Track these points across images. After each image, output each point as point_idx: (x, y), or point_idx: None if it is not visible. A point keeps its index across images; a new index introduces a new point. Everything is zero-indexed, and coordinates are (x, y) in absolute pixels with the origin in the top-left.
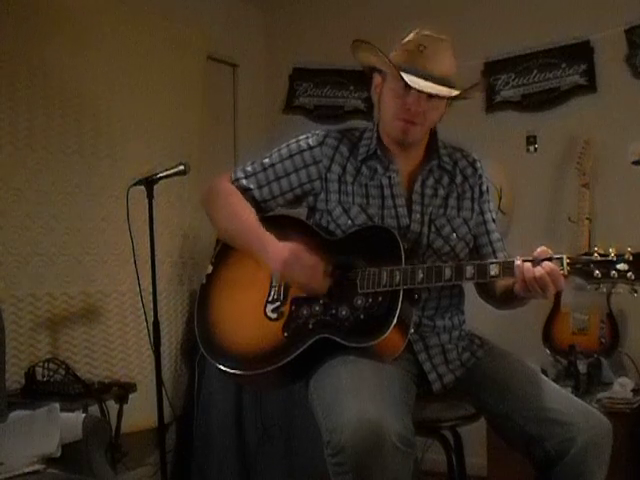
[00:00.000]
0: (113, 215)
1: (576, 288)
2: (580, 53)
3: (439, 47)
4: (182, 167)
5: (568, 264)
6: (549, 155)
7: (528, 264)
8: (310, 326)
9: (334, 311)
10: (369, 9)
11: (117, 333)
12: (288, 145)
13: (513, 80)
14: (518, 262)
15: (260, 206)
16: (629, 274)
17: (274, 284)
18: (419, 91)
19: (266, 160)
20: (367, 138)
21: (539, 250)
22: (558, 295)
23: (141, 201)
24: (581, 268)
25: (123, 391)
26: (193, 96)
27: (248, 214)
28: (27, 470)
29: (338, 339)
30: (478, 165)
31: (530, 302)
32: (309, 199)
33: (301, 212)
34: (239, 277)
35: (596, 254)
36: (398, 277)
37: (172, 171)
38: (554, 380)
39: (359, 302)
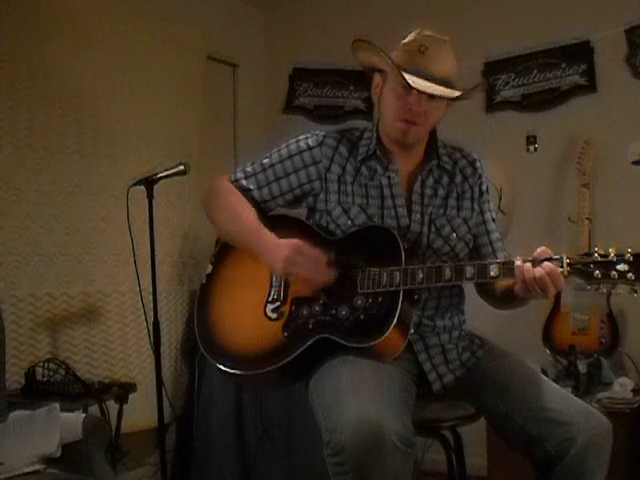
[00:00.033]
0: (113, 215)
1: (576, 288)
2: (580, 53)
3: (440, 48)
4: (182, 167)
5: (568, 264)
6: (549, 155)
7: (528, 264)
8: (310, 326)
9: (334, 311)
10: (369, 9)
11: (117, 333)
12: (287, 146)
13: (513, 80)
14: (518, 262)
15: (260, 207)
16: (629, 275)
17: (274, 284)
18: (420, 92)
19: (266, 161)
20: (367, 138)
21: (539, 250)
22: (558, 295)
23: (141, 201)
24: (581, 269)
25: (123, 391)
26: (193, 96)
27: (248, 213)
28: (27, 470)
29: (338, 339)
30: (478, 165)
31: (530, 302)
32: (309, 199)
33: (301, 212)
34: (239, 277)
35: (596, 254)
36: (398, 277)
37: (172, 171)
38: (554, 380)
39: (359, 302)
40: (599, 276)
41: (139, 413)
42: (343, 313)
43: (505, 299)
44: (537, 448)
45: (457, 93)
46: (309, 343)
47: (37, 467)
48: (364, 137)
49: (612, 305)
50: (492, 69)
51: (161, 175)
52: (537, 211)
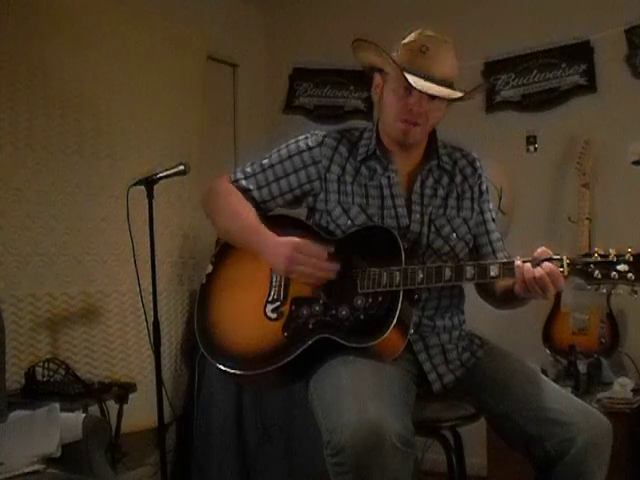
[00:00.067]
0: (113, 215)
1: (576, 288)
2: (580, 53)
3: (442, 48)
4: (182, 167)
5: (568, 265)
6: (549, 155)
7: (528, 265)
8: (310, 326)
9: (334, 311)
10: (369, 9)
11: (117, 333)
12: (287, 146)
13: (513, 80)
14: (518, 262)
15: (260, 207)
16: (629, 275)
17: (274, 284)
18: (422, 92)
19: (265, 161)
20: (366, 138)
21: (539, 250)
22: (558, 295)
23: (141, 201)
24: (581, 269)
25: (123, 391)
26: (193, 96)
27: (248, 213)
28: (27, 470)
29: (338, 339)
30: (478, 164)
31: (530, 302)
32: (309, 199)
33: (301, 212)
34: (239, 277)
35: (596, 255)
36: (398, 277)
37: (172, 171)
38: (554, 380)
39: (359, 302)
40: (599, 276)
41: (139, 413)
42: (343, 313)
43: (505, 299)
44: (537, 448)
45: (458, 94)
46: (309, 343)
47: (37, 467)
48: (364, 137)
49: (612, 305)
50: (492, 69)
51: (161, 175)
52: (537, 211)
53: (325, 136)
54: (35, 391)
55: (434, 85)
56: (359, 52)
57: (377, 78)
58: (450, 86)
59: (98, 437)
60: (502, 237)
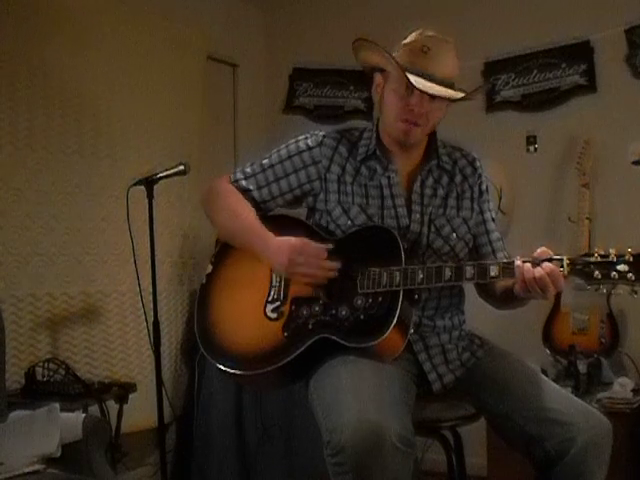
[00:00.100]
0: (113, 215)
1: (576, 288)
2: (580, 53)
3: (443, 48)
4: (182, 167)
5: (568, 265)
6: (549, 155)
7: (528, 265)
8: (310, 326)
9: (334, 311)
10: (369, 9)
11: (117, 333)
12: (287, 146)
13: (513, 80)
14: (518, 263)
15: (260, 207)
16: (629, 275)
17: (274, 284)
18: (423, 92)
19: (265, 161)
20: (366, 138)
21: (539, 251)
22: (558, 295)
23: (141, 201)
24: (581, 269)
25: (123, 391)
26: (193, 96)
27: (247, 213)
28: (27, 470)
29: (338, 339)
30: (477, 164)
31: (530, 302)
32: (309, 199)
33: (301, 212)
34: (239, 277)
35: (596, 255)
36: (398, 277)
37: (172, 171)
38: (554, 380)
39: (359, 302)
40: (599, 276)
41: (139, 413)
42: (343, 313)
43: (505, 299)
44: (537, 448)
45: (460, 95)
46: (309, 343)
47: (37, 467)
48: (364, 137)
49: (612, 305)
50: (492, 69)
51: (161, 175)
52: (537, 211)
53: (325, 136)
54: (35, 391)
55: (435, 85)
56: (360, 52)
57: (378, 78)
58: (451, 86)
59: (98, 437)
60: (502, 237)
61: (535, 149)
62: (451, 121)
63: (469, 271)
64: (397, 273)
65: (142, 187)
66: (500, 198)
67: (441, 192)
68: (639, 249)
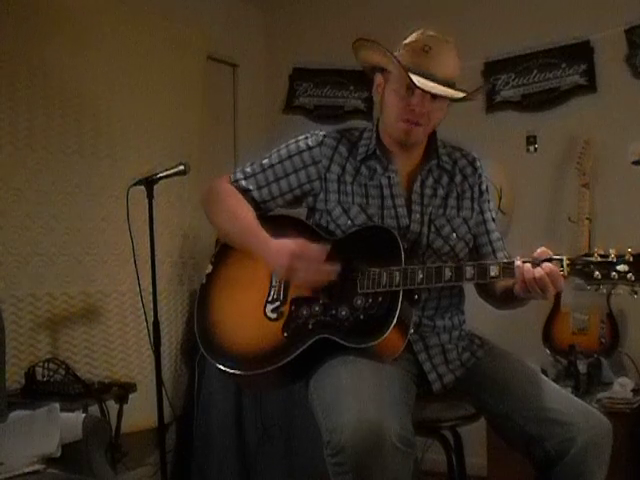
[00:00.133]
0: (113, 215)
1: (576, 288)
2: (580, 53)
3: (444, 48)
4: (182, 167)
5: (568, 265)
6: (549, 155)
7: (528, 265)
8: (310, 326)
9: (334, 311)
10: (369, 9)
11: (117, 333)
12: (287, 146)
13: (513, 80)
14: (518, 263)
15: (260, 207)
16: (629, 275)
17: (274, 284)
18: (425, 91)
19: (265, 161)
20: (366, 138)
21: (539, 251)
22: (558, 295)
23: (141, 201)
24: (581, 269)
25: (123, 391)
26: (193, 96)
27: (247, 214)
28: (27, 470)
29: (338, 339)
30: (478, 164)
31: (530, 302)
32: (309, 199)
33: (301, 212)
34: (239, 277)
35: (596, 255)
36: (398, 277)
37: (172, 171)
38: (554, 380)
39: (359, 302)
40: (599, 277)
41: (139, 413)
42: (343, 313)
43: (505, 299)
44: (537, 448)
45: (461, 94)
46: (309, 343)
47: (37, 467)
48: (364, 137)
49: (612, 305)
50: (492, 69)
51: (161, 175)
52: (537, 211)
53: (325, 136)
54: (35, 391)
55: (436, 85)
56: (361, 51)
57: (378, 78)
58: (452, 86)
59: (98, 437)
60: (502, 237)
61: (535, 149)
62: (451, 121)
63: (469, 271)
64: (397, 273)
65: (142, 187)
66: (500, 198)
67: (441, 192)
68: (639, 249)
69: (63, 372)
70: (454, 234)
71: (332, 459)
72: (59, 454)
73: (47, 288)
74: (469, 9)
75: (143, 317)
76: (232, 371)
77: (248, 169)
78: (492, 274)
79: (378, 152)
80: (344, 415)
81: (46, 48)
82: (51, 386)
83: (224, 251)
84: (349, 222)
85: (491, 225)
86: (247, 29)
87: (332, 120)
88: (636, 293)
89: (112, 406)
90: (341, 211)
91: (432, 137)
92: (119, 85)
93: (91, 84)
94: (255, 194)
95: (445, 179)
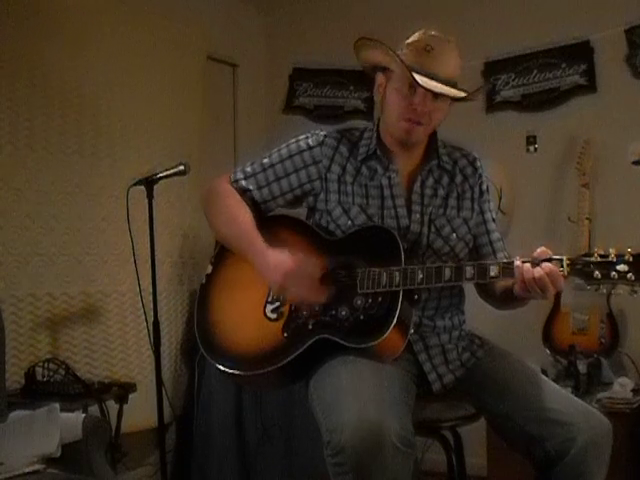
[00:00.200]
0: (113, 215)
1: (576, 288)
2: (580, 53)
3: (446, 48)
4: (182, 167)
5: (568, 265)
6: (549, 155)
7: (528, 265)
8: (310, 326)
9: (334, 311)
10: (369, 9)
11: (117, 333)
12: (288, 145)
13: (513, 80)
14: (518, 263)
15: (260, 207)
16: (629, 275)
17: None
18: (427, 90)
19: (265, 160)
20: (367, 138)
21: (539, 251)
22: (558, 295)
23: (141, 201)
24: (581, 269)
25: (123, 391)
26: (193, 96)
27: (246, 218)
28: (27, 470)
29: (338, 339)
30: (478, 164)
31: (530, 302)
32: (309, 199)
33: (301, 212)
34: (239, 277)
35: (596, 255)
36: (398, 277)
37: (172, 171)
38: (554, 380)
39: (359, 302)
40: (599, 276)
41: (139, 413)
42: (343, 313)
43: (505, 299)
44: (537, 448)
45: (462, 94)
46: (309, 343)
47: (37, 467)
48: (364, 137)
49: (612, 305)
50: (492, 69)
51: (161, 175)
52: (537, 211)
53: (326, 136)
54: (35, 391)
55: (439, 84)
56: (363, 51)
57: (380, 77)
58: (454, 86)
59: (98, 437)
60: (502, 237)
61: (535, 149)
62: (451, 121)
63: (469, 271)
64: (397, 273)
65: (142, 187)
66: (500, 198)
67: (441, 192)
68: (639, 249)
69: (63, 372)
70: (454, 234)
71: (332, 459)
72: (59, 454)
73: (47, 288)
74: (469, 9)
75: (143, 317)
76: (232, 371)
77: (248, 169)
78: (492, 274)
79: (379, 152)
80: (344, 415)
81: (46, 48)
82: (51, 386)
83: (224, 252)
84: (349, 222)
85: (491, 225)
86: (247, 29)
87: (332, 120)
88: (636, 293)
89: (112, 406)
90: (341, 211)
91: (433, 137)
92: (119, 85)
93: (91, 84)
94: (255, 194)
95: (445, 179)
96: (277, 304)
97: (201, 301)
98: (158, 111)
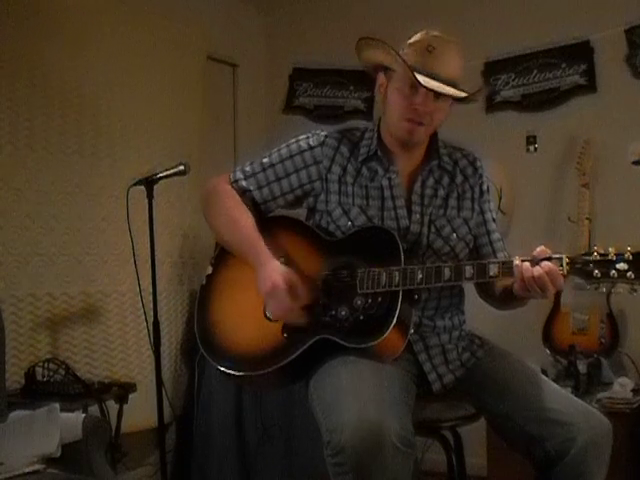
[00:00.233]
0: (113, 215)
1: (576, 288)
2: (580, 53)
3: (448, 49)
4: (182, 167)
5: (567, 264)
6: (549, 155)
7: (527, 264)
8: (310, 327)
9: (334, 312)
10: (369, 9)
11: (117, 333)
12: (288, 145)
13: (513, 80)
14: (517, 262)
15: (260, 208)
16: (629, 273)
17: None
18: (429, 89)
19: (266, 160)
20: (367, 139)
21: (538, 250)
22: (558, 295)
23: (141, 201)
24: (580, 268)
25: (123, 391)
26: (193, 96)
27: (246, 220)
28: (27, 470)
29: (338, 340)
30: (478, 164)
31: (530, 302)
32: (309, 200)
33: (300, 213)
34: (239, 278)
35: (595, 254)
36: (397, 277)
37: (172, 171)
38: (554, 380)
39: (358, 303)
40: (598, 275)
41: (139, 413)
42: (343, 313)
43: (505, 299)
44: (537, 448)
45: (464, 94)
46: (309, 344)
47: (37, 467)
48: (365, 137)
49: (612, 305)
50: (492, 69)
51: (161, 175)
52: (537, 211)
53: (327, 136)
54: (35, 391)
55: (440, 84)
56: (365, 50)
57: (381, 77)
58: (455, 86)
59: (98, 437)
60: (502, 237)
61: (535, 149)
62: (451, 121)
63: (468, 271)
64: (396, 273)
65: (142, 187)
66: (500, 198)
67: (442, 192)
68: (638, 248)
69: (63, 372)
70: (454, 234)
71: (332, 459)
72: (59, 454)
73: (47, 288)
74: (469, 9)
75: (143, 317)
76: (232, 372)
77: (248, 168)
78: (491, 273)
79: (379, 153)
80: (344, 415)
81: (46, 48)
82: (51, 386)
83: (224, 253)
84: (349, 223)
85: (491, 225)
86: (247, 29)
87: (332, 120)
88: (635, 291)
89: (112, 406)
90: (341, 212)
91: (433, 137)
92: (119, 85)
93: (91, 84)
94: (255, 194)
95: (446, 179)
96: None
97: (201, 301)
98: (158, 111)
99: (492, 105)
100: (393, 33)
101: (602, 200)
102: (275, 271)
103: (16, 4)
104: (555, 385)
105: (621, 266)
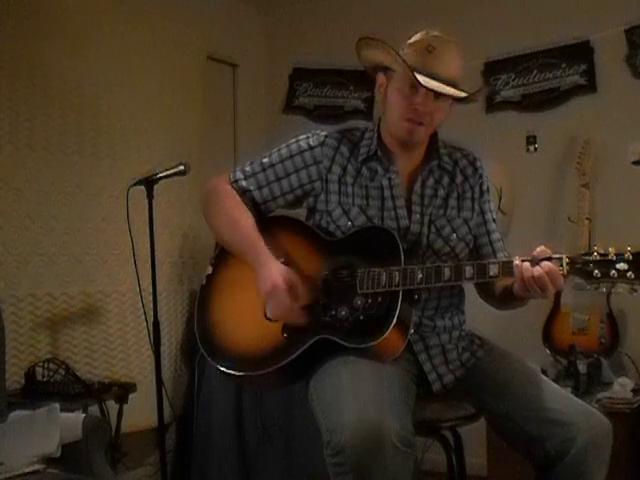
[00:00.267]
0: (113, 215)
1: (576, 288)
2: (580, 53)
3: (448, 49)
4: (182, 167)
5: (567, 264)
6: (549, 155)
7: (527, 264)
8: (310, 327)
9: (334, 312)
10: (369, 9)
11: (117, 333)
12: (288, 145)
13: (513, 80)
14: (517, 262)
15: (260, 207)
16: (629, 273)
17: None
18: (429, 89)
19: (266, 160)
20: (367, 139)
21: (538, 250)
22: (558, 295)
23: (141, 201)
24: (580, 268)
25: (123, 391)
26: (193, 96)
27: (246, 220)
28: (27, 470)
29: (338, 340)
30: (478, 164)
31: (530, 302)
32: (309, 200)
33: (300, 213)
34: (239, 278)
35: (595, 253)
36: (397, 277)
37: (172, 171)
38: (554, 380)
39: (358, 303)
40: (598, 275)
41: (139, 413)
42: (343, 313)
43: (505, 299)
44: (537, 448)
45: (464, 94)
46: (309, 344)
47: (37, 467)
48: (365, 137)
49: (612, 305)
50: (492, 69)
51: (161, 175)
52: (537, 211)
53: (327, 136)
54: (35, 391)
55: (440, 84)
56: (364, 51)
57: (381, 77)
58: (455, 86)
59: (98, 437)
60: (502, 237)
61: (535, 149)
62: (451, 121)
63: (468, 271)
64: (396, 273)
65: (142, 187)
66: (500, 198)
67: (442, 192)
68: (638, 248)
69: (63, 372)
70: (454, 235)
71: (332, 459)
72: (59, 454)
73: (47, 288)
74: (469, 9)
75: (143, 317)
76: (232, 372)
77: (248, 168)
78: (491, 273)
79: (379, 153)
80: (344, 415)
81: (46, 48)
82: (51, 386)
83: (224, 252)
84: (349, 223)
85: (492, 226)
86: (247, 29)
87: (332, 120)
88: (635, 291)
89: (112, 406)
90: (341, 212)
91: (433, 137)
92: (119, 85)
93: (91, 84)
94: (255, 194)
95: (446, 179)
96: None
97: (201, 302)
98: (158, 111)
99: (492, 105)
100: (393, 33)
101: (602, 200)
102: (275, 271)
103: (16, 4)
104: (555, 385)
105: (621, 266)
